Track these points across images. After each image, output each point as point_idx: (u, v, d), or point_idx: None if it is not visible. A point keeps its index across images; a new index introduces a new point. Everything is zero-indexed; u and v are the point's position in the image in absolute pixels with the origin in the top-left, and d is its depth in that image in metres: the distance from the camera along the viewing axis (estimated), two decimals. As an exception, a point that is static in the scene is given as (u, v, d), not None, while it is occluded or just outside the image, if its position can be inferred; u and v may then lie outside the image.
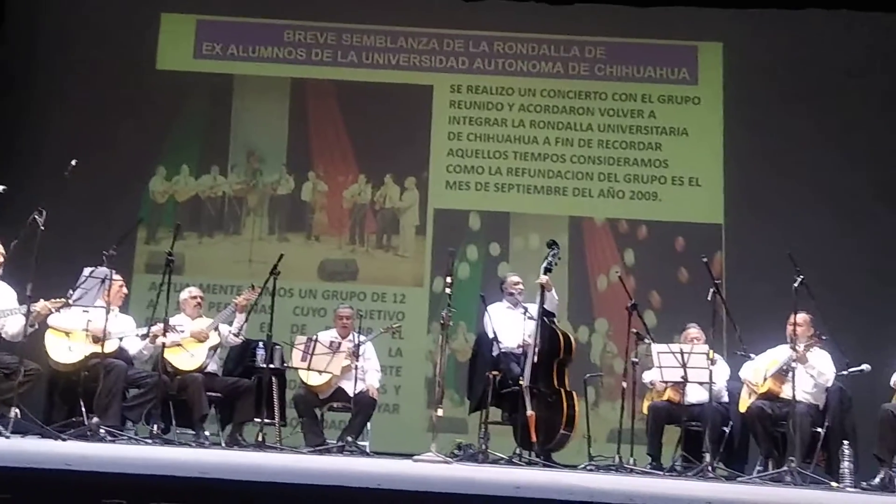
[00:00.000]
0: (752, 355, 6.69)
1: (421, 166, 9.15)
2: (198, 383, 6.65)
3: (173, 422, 6.67)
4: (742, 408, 6.59)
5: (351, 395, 6.87)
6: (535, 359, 6.70)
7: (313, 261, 9.02)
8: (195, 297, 7.13)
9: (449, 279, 6.40)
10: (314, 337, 7.10)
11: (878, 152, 8.73)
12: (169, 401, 6.63)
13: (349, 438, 6.76)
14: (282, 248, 8.36)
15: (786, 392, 6.25)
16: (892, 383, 6.19)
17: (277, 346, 7.25)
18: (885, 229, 8.55)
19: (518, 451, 6.56)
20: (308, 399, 6.99)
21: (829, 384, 6.41)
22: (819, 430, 6.28)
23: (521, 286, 7.18)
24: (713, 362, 6.39)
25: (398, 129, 9.13)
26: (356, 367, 6.93)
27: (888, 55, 8.88)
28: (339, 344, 7.07)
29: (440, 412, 6.32)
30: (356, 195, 9.16)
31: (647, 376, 6.92)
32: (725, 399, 6.81)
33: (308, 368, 6.94)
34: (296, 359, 7.02)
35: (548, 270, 6.94)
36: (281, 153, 9.22)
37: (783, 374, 6.32)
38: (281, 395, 7.18)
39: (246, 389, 6.81)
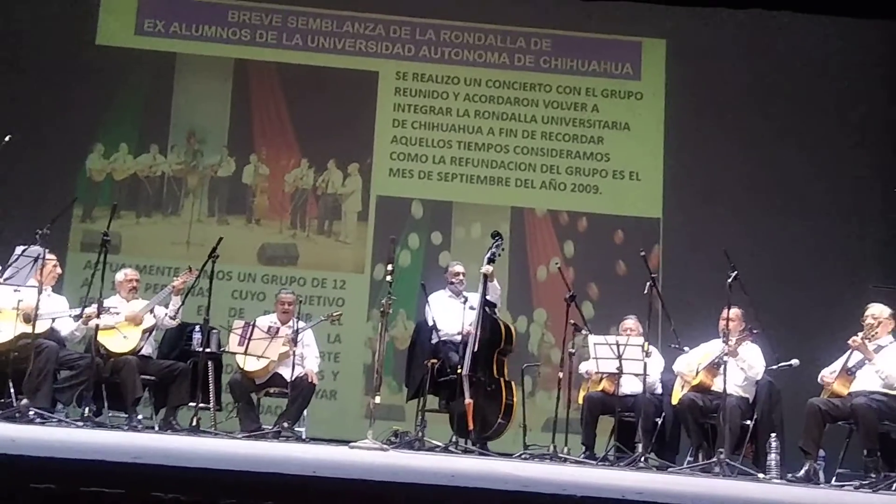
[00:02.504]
0: (686, 348, 6.83)
1: (364, 153, 9.11)
2: (131, 366, 6.55)
3: (105, 405, 6.57)
4: (675, 400, 6.70)
5: (288, 380, 6.83)
6: (476, 348, 6.74)
7: (253, 244, 8.94)
8: (131, 280, 7.01)
9: (390, 266, 6.38)
10: (252, 322, 7.05)
11: (817, 151, 8.94)
12: (101, 383, 6.53)
13: (285, 424, 6.72)
14: (221, 230, 8.25)
15: (717, 385, 6.37)
16: (819, 379, 6.35)
17: (214, 330, 7.17)
18: (820, 227, 8.77)
19: (454, 439, 6.60)
20: (244, 384, 6.93)
21: (759, 378, 6.56)
22: (748, 422, 6.41)
23: (462, 276, 7.21)
24: (648, 354, 6.49)
25: (342, 115, 9.08)
26: (294, 354, 6.89)
27: (828, 56, 9.09)
28: (278, 329, 7.02)
29: (378, 399, 6.31)
30: (298, 179, 9.09)
31: (583, 367, 7.00)
32: (659, 391, 6.92)
33: (245, 353, 6.88)
34: (233, 343, 6.95)
35: (491, 261, 6.98)
36: (222, 134, 9.10)
37: (715, 367, 6.44)
38: (217, 380, 7.11)
39: (181, 373, 6.73)
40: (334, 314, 7.62)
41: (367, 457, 5.27)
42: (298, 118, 9.12)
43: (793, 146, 8.96)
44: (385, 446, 6.06)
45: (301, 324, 7.11)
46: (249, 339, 6.88)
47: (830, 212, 8.82)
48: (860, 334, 6.16)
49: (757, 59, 9.14)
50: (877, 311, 6.22)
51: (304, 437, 6.84)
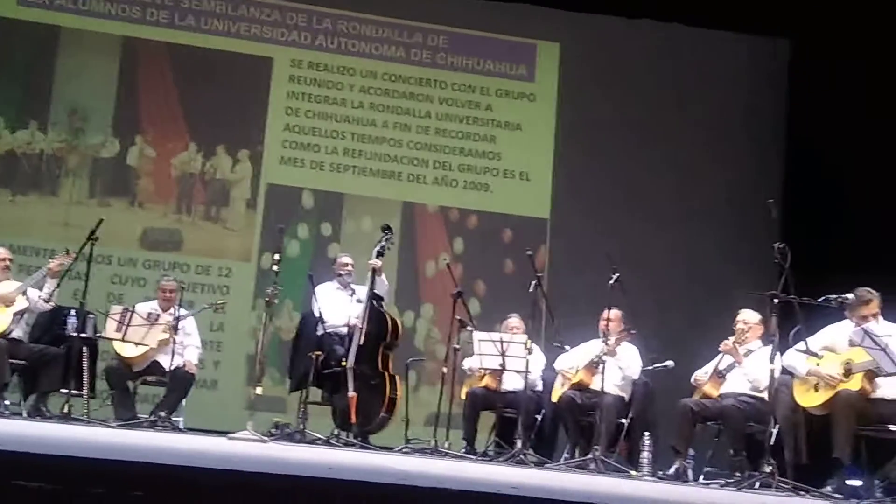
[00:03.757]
0: (567, 347, 6.96)
1: (256, 139, 8.97)
2: (0, 349, 6.29)
3: (-30, 390, 6.30)
4: (555, 397, 6.83)
5: (167, 369, 6.67)
6: (361, 341, 6.73)
7: (135, 228, 8.68)
8: (3, 259, 6.74)
9: (277, 256, 6.32)
10: (131, 307, 6.85)
11: (702, 157, 9.24)
12: (-33, 367, 6.25)
13: (162, 413, 6.56)
14: (102, 212, 7.95)
15: (595, 383, 6.51)
16: (692, 380, 6.57)
17: (91, 315, 6.94)
18: (703, 233, 9.06)
19: (336, 431, 6.57)
20: (120, 371, 6.75)
21: (636, 377, 6.74)
22: (624, 420, 6.58)
23: (350, 267, 7.18)
24: (530, 352, 6.60)
25: (234, 100, 8.90)
26: (174, 342, 6.73)
27: (715, 67, 9.39)
28: (158, 316, 6.85)
29: (259, 390, 6.24)
30: (185, 164, 8.87)
31: (467, 363, 7.06)
32: (540, 388, 7.03)
33: (123, 339, 6.69)
34: (110, 329, 6.75)
35: (380, 254, 6.97)
36: (107, 114, 8.79)
37: (594, 365, 6.58)
38: (91, 366, 6.87)
39: (53, 358, 6.50)
40: (218, 302, 7.49)
41: (246, 448, 5.19)
42: (188, 101, 8.89)
43: (680, 152, 9.24)
44: (264, 438, 5.99)
45: (183, 311, 6.95)
46: (128, 326, 6.70)
47: (712, 217, 9.12)
48: (731, 338, 6.39)
49: (648, 66, 9.38)
50: (747, 316, 6.44)
51: (181, 427, 6.69)
